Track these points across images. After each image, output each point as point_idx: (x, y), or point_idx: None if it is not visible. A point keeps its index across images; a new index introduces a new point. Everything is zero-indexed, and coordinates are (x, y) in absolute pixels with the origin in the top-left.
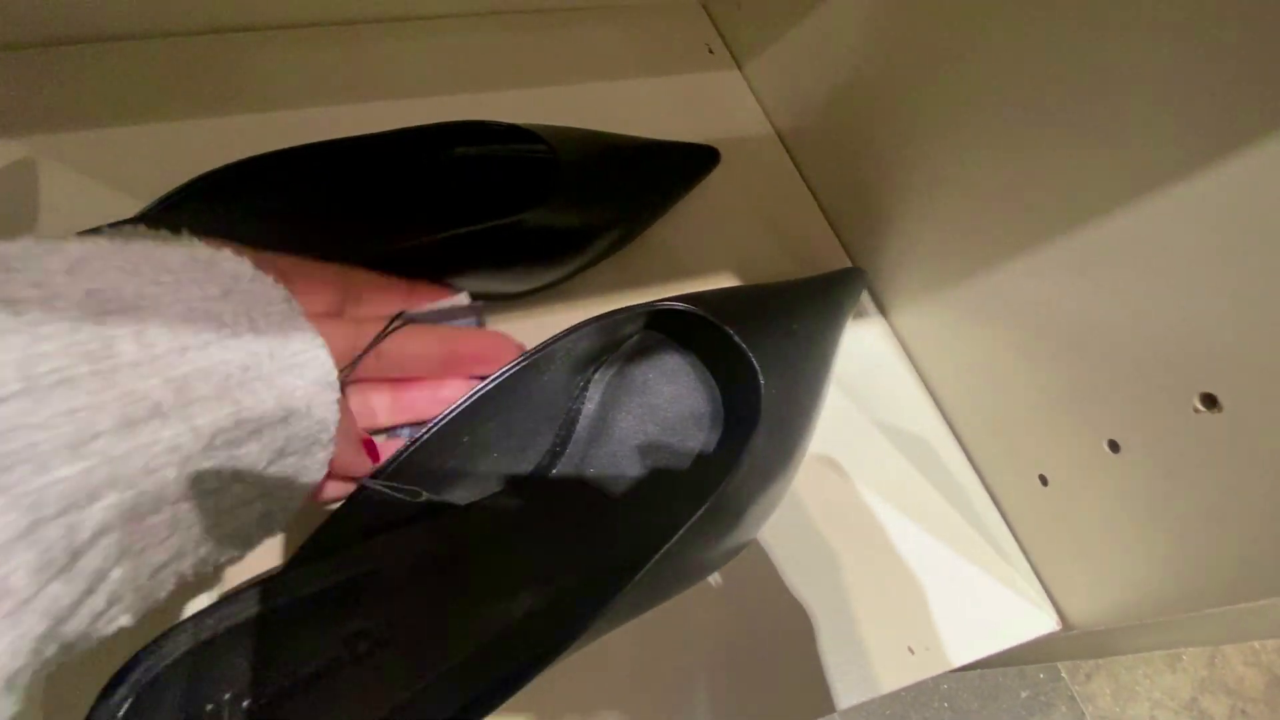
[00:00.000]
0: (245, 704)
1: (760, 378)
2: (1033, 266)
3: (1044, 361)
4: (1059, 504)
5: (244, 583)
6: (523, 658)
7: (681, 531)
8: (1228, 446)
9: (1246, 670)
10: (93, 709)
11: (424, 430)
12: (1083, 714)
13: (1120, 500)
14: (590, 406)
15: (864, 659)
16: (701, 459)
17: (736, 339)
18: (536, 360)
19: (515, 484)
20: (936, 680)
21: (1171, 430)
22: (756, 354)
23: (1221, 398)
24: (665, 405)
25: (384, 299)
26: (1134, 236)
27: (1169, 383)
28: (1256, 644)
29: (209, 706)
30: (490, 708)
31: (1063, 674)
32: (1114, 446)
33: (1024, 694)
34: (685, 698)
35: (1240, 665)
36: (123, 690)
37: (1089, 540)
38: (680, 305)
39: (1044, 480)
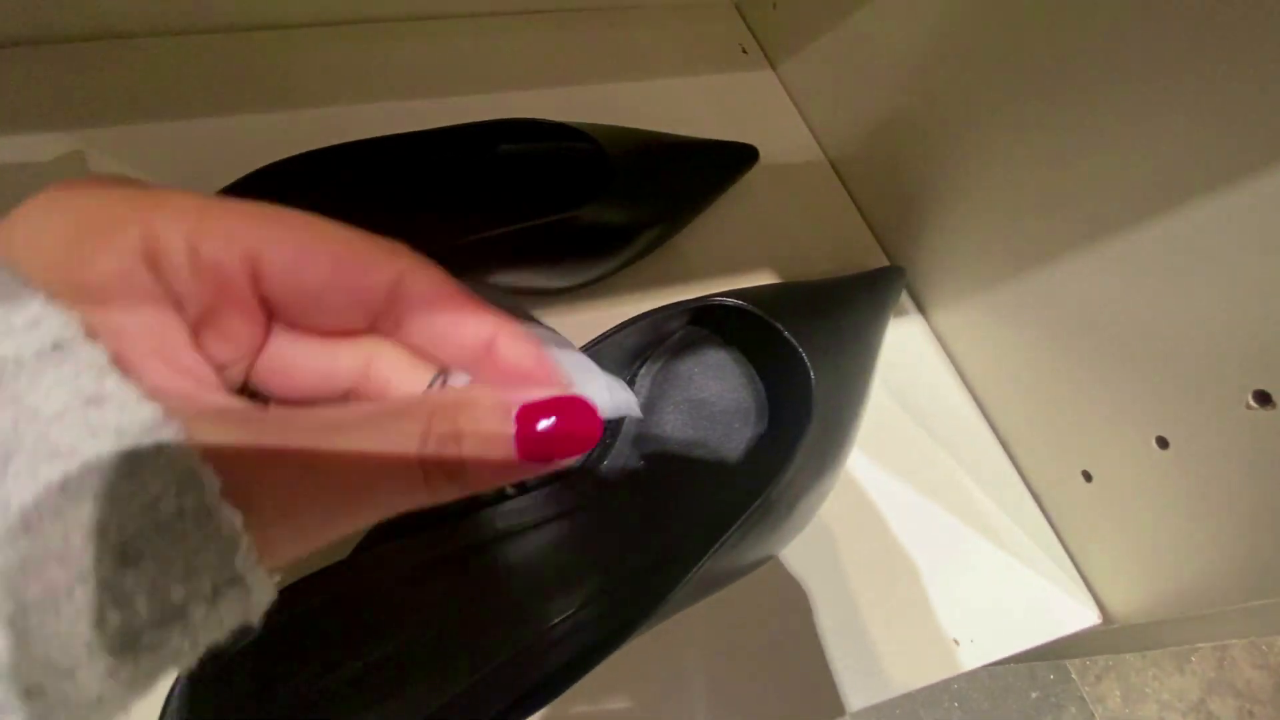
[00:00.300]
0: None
1: (811, 373)
2: (1077, 265)
3: (1088, 359)
4: (1103, 500)
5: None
6: (571, 655)
7: (737, 525)
8: None
9: (1255, 673)
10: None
11: None
12: (1092, 715)
13: (1167, 496)
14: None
15: (907, 651)
16: (748, 454)
17: (787, 334)
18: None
19: (565, 478)
20: (947, 680)
21: (1222, 427)
22: (806, 349)
23: (1276, 395)
24: (711, 400)
25: (434, 326)
26: (1181, 234)
27: (1220, 379)
28: (1265, 646)
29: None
30: (538, 706)
31: (1073, 675)
32: (1162, 443)
33: (1034, 694)
34: (728, 687)
35: (1249, 668)
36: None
37: (1133, 535)
38: (731, 301)
39: (1088, 476)
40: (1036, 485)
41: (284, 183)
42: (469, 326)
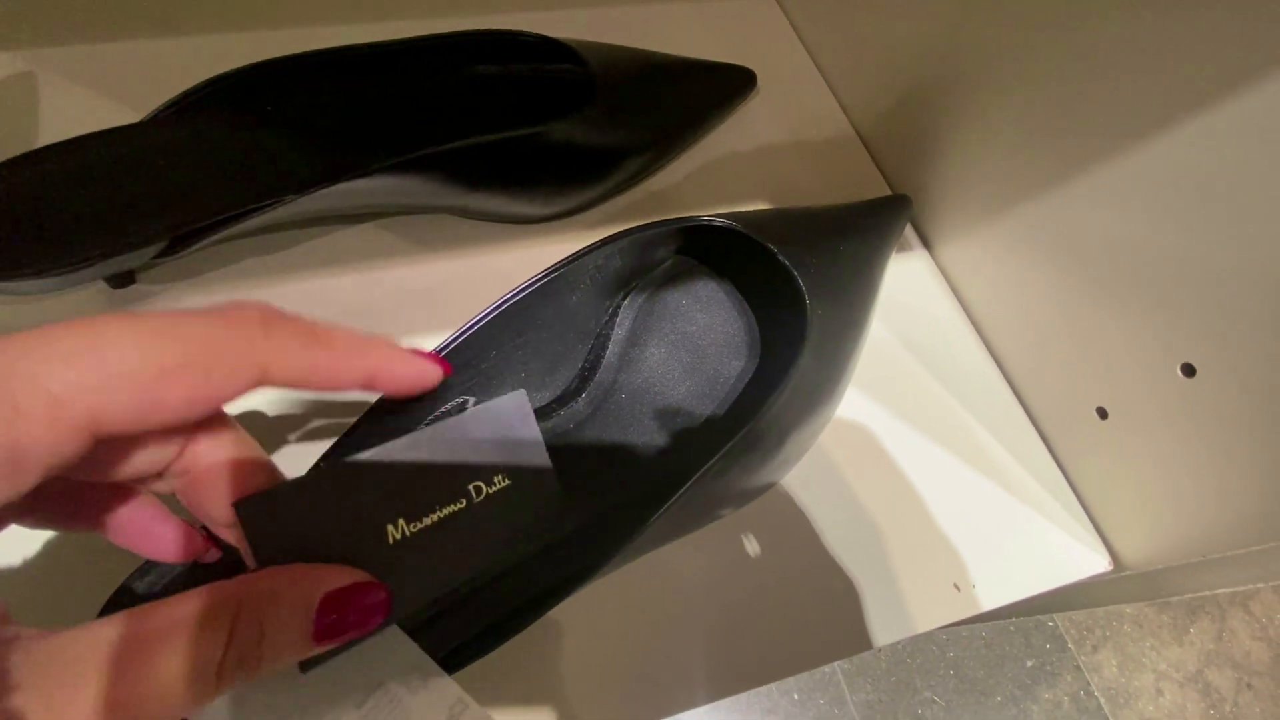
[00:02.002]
0: None
1: (806, 297)
2: (1091, 191)
3: (1107, 288)
4: (1119, 437)
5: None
6: (551, 580)
7: (723, 452)
8: None
9: (1254, 644)
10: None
11: (449, 340)
12: (1088, 683)
13: (1191, 427)
14: (621, 332)
15: (907, 596)
16: (738, 387)
17: (781, 257)
18: (565, 277)
19: (542, 407)
20: (942, 648)
21: (1257, 347)
22: (801, 273)
23: None
24: (699, 332)
25: (309, 380)
26: (1208, 152)
27: (1254, 297)
28: (1264, 618)
29: None
30: (515, 630)
31: (1069, 644)
32: (1189, 370)
33: (1029, 663)
34: (721, 630)
35: (1248, 639)
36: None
37: (1151, 473)
38: (720, 221)
39: (1103, 413)
40: (1046, 425)
41: (241, 94)
42: (345, 375)
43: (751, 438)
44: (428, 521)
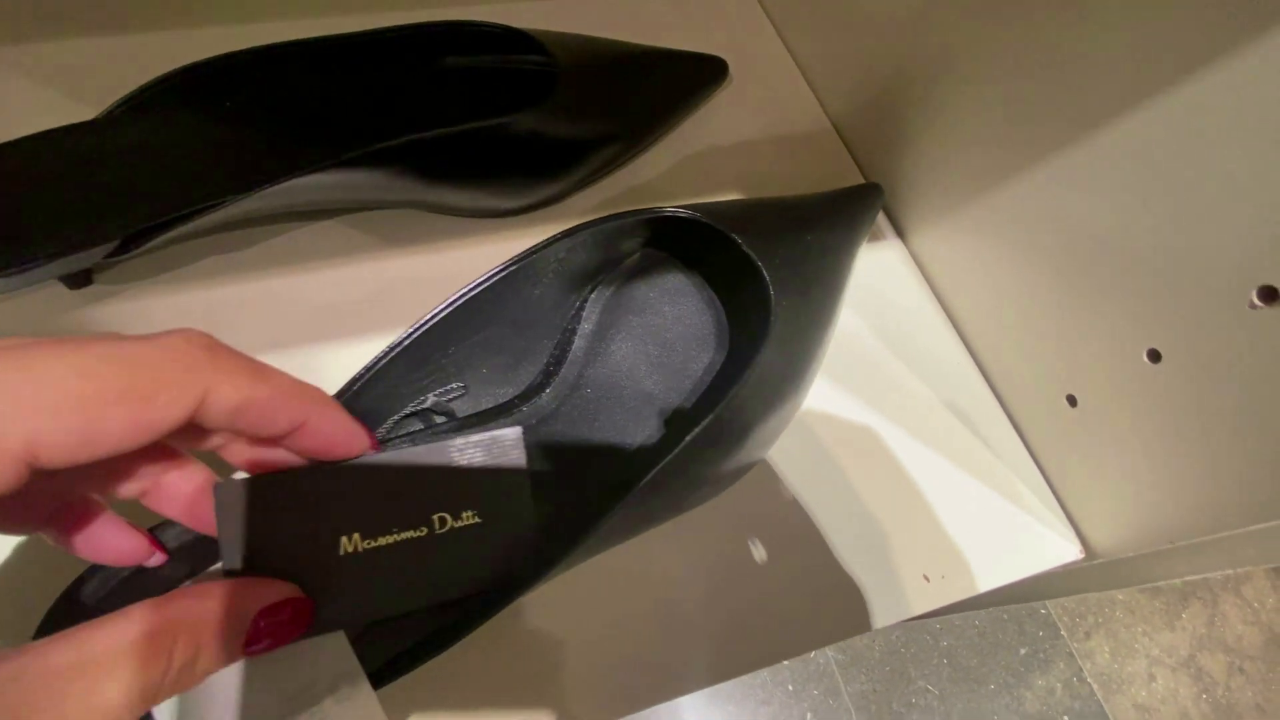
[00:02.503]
0: None
1: (770, 288)
2: (1061, 178)
3: (1076, 275)
4: (1088, 424)
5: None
6: (510, 577)
7: (684, 444)
8: None
9: (1246, 628)
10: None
11: (404, 335)
12: (1080, 670)
13: (1158, 413)
14: (588, 326)
15: (877, 587)
16: (705, 380)
17: (745, 248)
18: (525, 271)
19: (505, 403)
20: (936, 637)
21: (1222, 331)
22: (766, 264)
23: None
24: (667, 325)
25: (244, 421)
26: (1173, 136)
27: (1220, 281)
28: (1256, 603)
29: None
30: (479, 621)
31: (1062, 631)
32: (1154, 356)
33: (1023, 650)
34: (690, 622)
35: (1239, 624)
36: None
37: (1119, 460)
38: (684, 213)
39: (1072, 400)
40: (1018, 414)
41: (199, 89)
42: (282, 415)
43: (714, 429)
44: (381, 542)
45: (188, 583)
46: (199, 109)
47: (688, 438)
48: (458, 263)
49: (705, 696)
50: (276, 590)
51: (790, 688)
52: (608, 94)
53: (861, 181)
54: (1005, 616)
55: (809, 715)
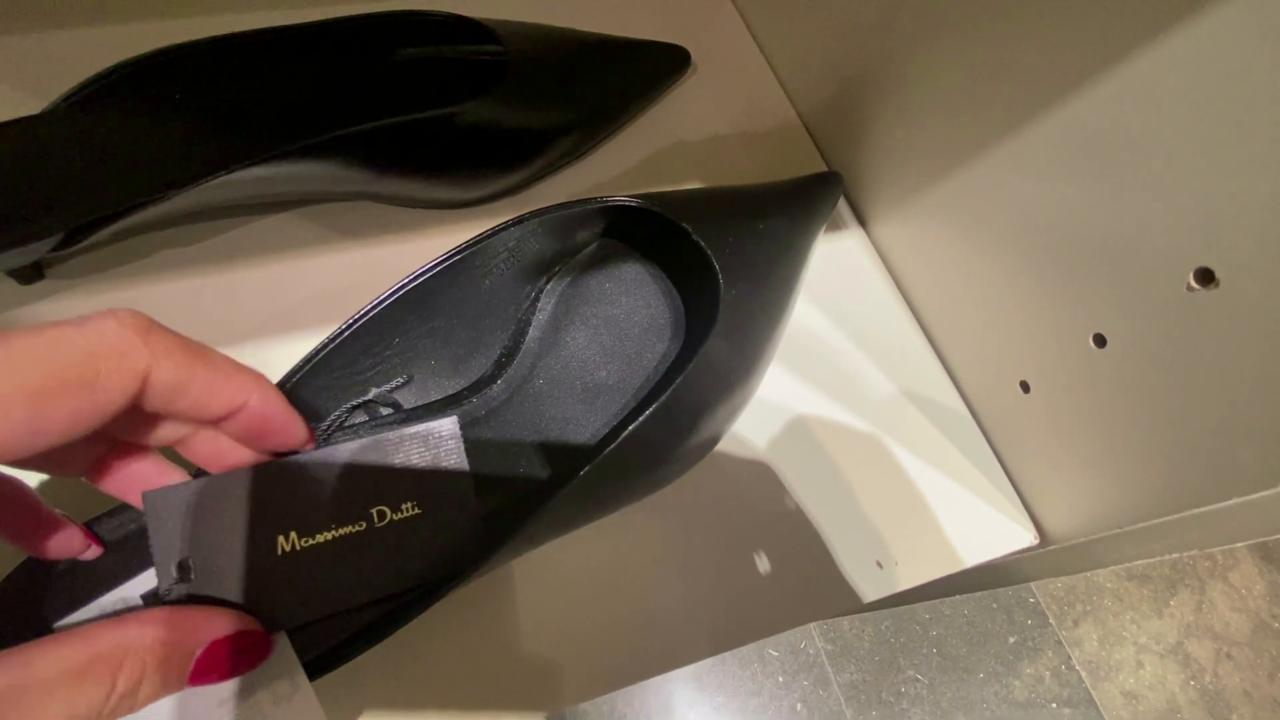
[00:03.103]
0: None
1: (720, 276)
2: (1009, 164)
3: (1026, 261)
4: (1040, 410)
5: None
6: (455, 565)
7: (628, 432)
8: (1225, 321)
9: (1233, 615)
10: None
11: (345, 325)
12: (1069, 657)
13: (1105, 397)
14: (542, 316)
15: (829, 574)
16: (659, 370)
17: (694, 236)
18: (472, 260)
19: (454, 394)
20: (925, 627)
21: (1163, 313)
22: (715, 252)
23: (1218, 270)
24: (623, 316)
25: (185, 402)
26: (1110, 121)
27: (1159, 264)
28: (1244, 589)
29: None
30: (419, 610)
31: (1050, 620)
32: (1100, 340)
33: (1012, 639)
34: (645, 610)
35: (1227, 610)
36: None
37: (1070, 446)
38: (634, 201)
39: (1025, 387)
40: (974, 400)
41: (146, 82)
42: (222, 394)
43: (659, 417)
44: (320, 539)
45: (133, 596)
46: (145, 102)
47: (631, 426)
48: (413, 255)
49: (695, 687)
50: (228, 622)
51: (780, 679)
52: (563, 83)
53: (821, 170)
54: (994, 605)
55: (799, 705)
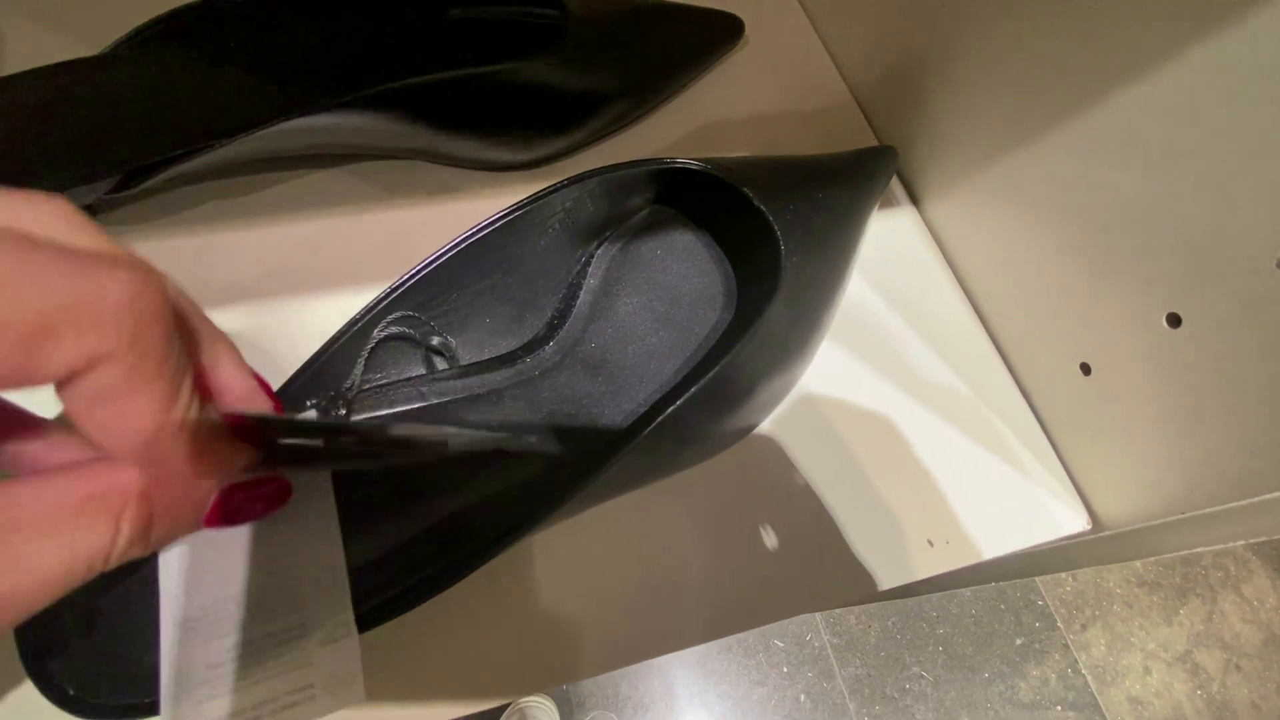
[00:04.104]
0: None
1: (780, 244)
2: (1079, 145)
3: (1093, 242)
4: (1102, 392)
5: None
6: (510, 522)
7: (687, 395)
8: None
9: (1244, 626)
10: None
11: (405, 277)
12: (1076, 661)
13: (1177, 379)
14: (593, 281)
15: (880, 551)
16: (711, 338)
17: (756, 202)
18: (530, 218)
19: (508, 354)
20: (932, 625)
21: (1245, 292)
22: (776, 219)
23: None
24: (674, 283)
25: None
26: (1193, 101)
27: (1243, 244)
28: (1255, 601)
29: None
30: (470, 568)
31: (1058, 623)
32: (1174, 320)
33: (1019, 641)
34: (692, 581)
35: (1238, 621)
36: None
37: (1133, 428)
38: (694, 164)
39: (1085, 368)
40: (1029, 381)
41: (198, 29)
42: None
43: (717, 384)
44: None
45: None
46: (203, 48)
47: (691, 390)
48: (461, 215)
49: (700, 673)
50: (242, 454)
51: (785, 669)
52: (619, 46)
53: (875, 144)
54: (1003, 606)
55: (803, 696)
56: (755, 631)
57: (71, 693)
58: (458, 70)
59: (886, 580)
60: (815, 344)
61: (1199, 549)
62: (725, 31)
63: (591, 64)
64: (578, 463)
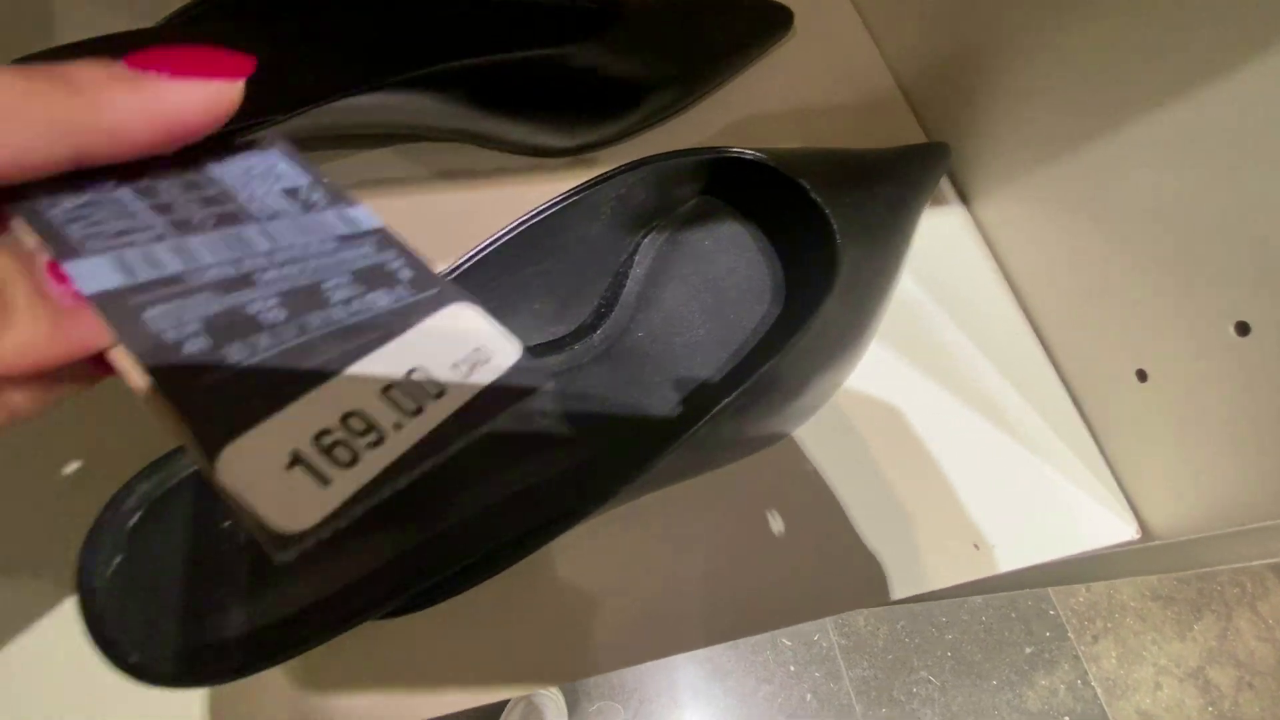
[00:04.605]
0: None
1: (837, 236)
2: (1143, 149)
3: (1156, 247)
4: (1159, 399)
5: None
6: (552, 513)
7: (740, 389)
8: None
9: (1258, 644)
10: (98, 520)
11: (465, 258)
12: (1086, 673)
13: (1242, 387)
14: (640, 270)
15: (924, 552)
16: (758, 332)
17: (813, 194)
18: (584, 204)
19: (556, 340)
20: (941, 630)
21: None
22: (833, 211)
23: None
24: (721, 275)
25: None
26: (1263, 104)
27: None
28: (1270, 619)
29: (225, 523)
30: (511, 561)
31: (1069, 633)
32: (1242, 329)
33: (1028, 649)
34: (736, 572)
35: (1252, 639)
36: (131, 502)
37: (1191, 437)
38: (749, 154)
39: (1142, 376)
40: (1079, 387)
41: (248, 6)
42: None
43: (771, 377)
44: None
45: None
46: (255, 24)
47: (747, 382)
48: (507, 200)
49: (707, 669)
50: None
51: (792, 668)
52: (672, 35)
53: (924, 141)
54: (1013, 615)
55: (809, 696)
56: None
57: (135, 660)
58: (512, 53)
59: (934, 582)
60: (866, 342)
61: (1253, 562)
62: (775, 23)
63: (644, 51)
64: (625, 452)
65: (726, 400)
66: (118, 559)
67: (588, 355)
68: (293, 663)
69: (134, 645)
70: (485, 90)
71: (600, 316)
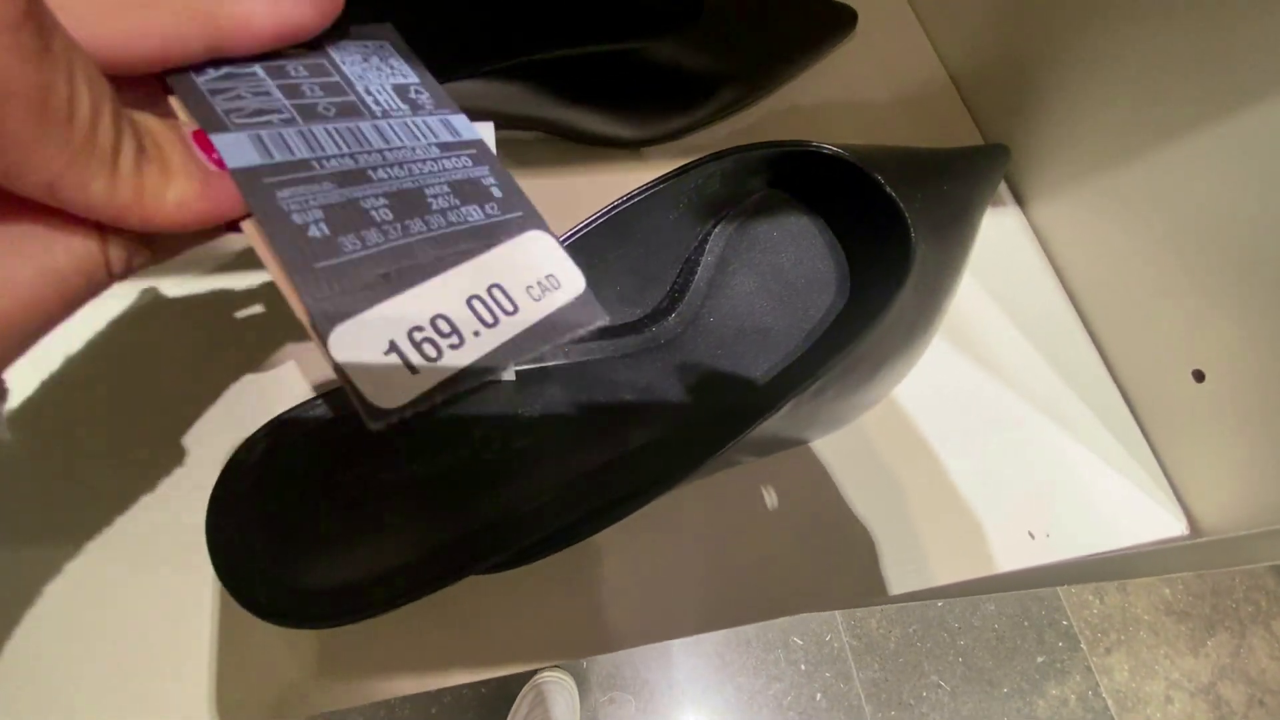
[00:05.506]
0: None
1: (912, 230)
2: (1204, 157)
3: (1216, 251)
4: (1215, 399)
5: None
6: (624, 491)
7: (816, 377)
8: None
9: (1270, 663)
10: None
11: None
12: (1097, 684)
13: None
14: (710, 259)
15: (980, 539)
16: (825, 322)
17: (888, 189)
18: (668, 192)
19: (635, 321)
20: (953, 636)
21: None
22: (907, 206)
23: None
24: (789, 265)
25: None
26: None
27: None
28: None
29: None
30: (583, 536)
31: (1082, 645)
32: None
33: (1040, 659)
34: (792, 556)
35: (1265, 657)
36: (258, 451)
37: (1246, 438)
38: (828, 149)
39: (1199, 375)
40: (1132, 387)
41: None
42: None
43: (844, 366)
44: None
45: None
46: (363, 9)
47: (825, 371)
48: (580, 189)
49: (717, 665)
50: None
51: (803, 667)
52: (746, 32)
53: (980, 142)
54: (1026, 623)
55: (819, 695)
56: (775, 627)
57: (263, 601)
58: (603, 45)
59: (993, 565)
60: (931, 335)
61: None
62: (841, 23)
63: (718, 47)
64: (695, 435)
65: (805, 386)
66: (244, 500)
67: (665, 336)
68: (300, 636)
69: (263, 591)
70: (572, 80)
71: (674, 301)
